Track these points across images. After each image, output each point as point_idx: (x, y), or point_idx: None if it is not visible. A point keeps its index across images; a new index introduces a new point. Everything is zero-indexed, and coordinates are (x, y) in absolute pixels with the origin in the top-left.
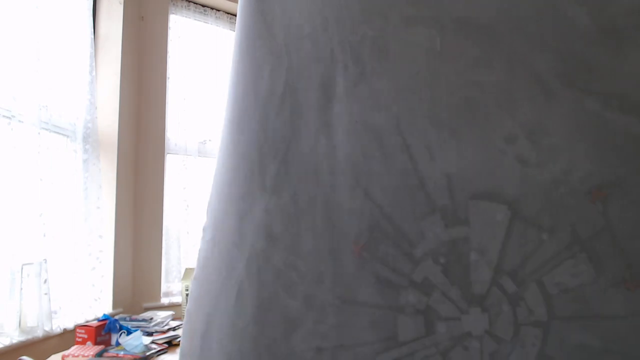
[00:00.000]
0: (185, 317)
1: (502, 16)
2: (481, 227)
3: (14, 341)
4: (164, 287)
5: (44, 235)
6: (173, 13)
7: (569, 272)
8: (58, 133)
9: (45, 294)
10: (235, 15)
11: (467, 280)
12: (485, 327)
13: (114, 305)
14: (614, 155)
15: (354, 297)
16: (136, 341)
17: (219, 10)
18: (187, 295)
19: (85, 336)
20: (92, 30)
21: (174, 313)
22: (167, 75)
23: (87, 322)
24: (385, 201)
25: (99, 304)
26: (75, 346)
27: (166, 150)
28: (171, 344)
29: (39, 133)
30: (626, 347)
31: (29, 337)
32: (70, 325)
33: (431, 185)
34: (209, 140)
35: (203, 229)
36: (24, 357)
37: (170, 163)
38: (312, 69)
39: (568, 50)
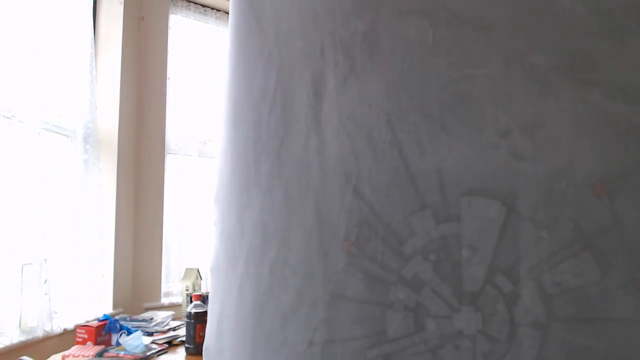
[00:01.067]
0: (208, 304)
1: (497, 9)
2: (473, 224)
3: (14, 341)
4: (164, 287)
5: (44, 235)
6: (173, 13)
7: (571, 271)
8: (58, 133)
9: (46, 294)
10: None
11: (459, 278)
12: (478, 326)
13: (114, 305)
14: (618, 147)
15: (343, 292)
16: (136, 341)
17: (219, 10)
18: (187, 295)
19: (86, 336)
20: (92, 30)
21: (174, 313)
22: (167, 75)
23: (87, 322)
24: (374, 198)
25: (99, 304)
26: (76, 346)
27: (166, 150)
28: (171, 344)
29: (39, 133)
30: (635, 352)
31: (29, 337)
32: (70, 325)
33: (421, 181)
34: (209, 140)
35: (214, 223)
36: (24, 357)
37: (170, 163)
38: (302, 67)
39: (566, 43)
